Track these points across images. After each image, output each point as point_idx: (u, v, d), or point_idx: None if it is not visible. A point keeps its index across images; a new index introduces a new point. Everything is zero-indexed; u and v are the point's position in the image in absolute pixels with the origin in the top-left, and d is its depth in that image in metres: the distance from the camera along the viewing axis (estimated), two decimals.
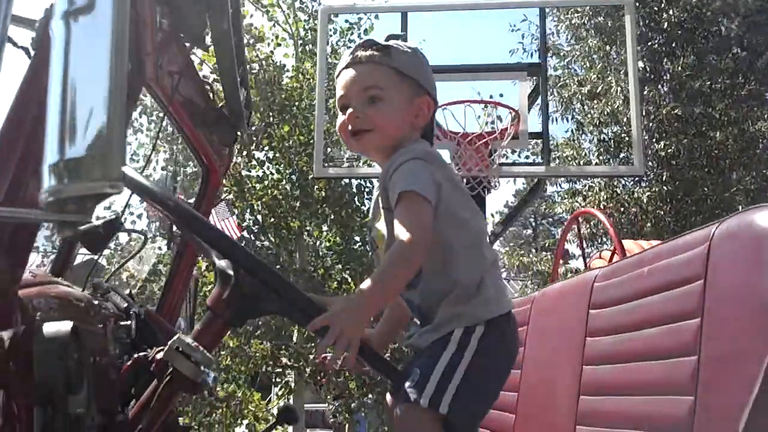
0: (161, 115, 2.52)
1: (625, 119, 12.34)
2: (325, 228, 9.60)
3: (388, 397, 1.92)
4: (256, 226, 8.99)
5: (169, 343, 1.61)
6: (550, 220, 27.33)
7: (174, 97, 2.47)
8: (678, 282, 1.67)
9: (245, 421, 8.56)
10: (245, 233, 8.79)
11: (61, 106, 1.04)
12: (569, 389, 2.15)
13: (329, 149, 7.91)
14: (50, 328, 1.42)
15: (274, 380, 9.64)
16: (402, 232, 1.57)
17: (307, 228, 9.06)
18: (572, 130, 13.48)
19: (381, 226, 1.77)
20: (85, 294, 2.04)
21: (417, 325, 1.83)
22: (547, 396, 2.35)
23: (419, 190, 1.61)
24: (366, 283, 1.58)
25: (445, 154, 6.42)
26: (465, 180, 6.23)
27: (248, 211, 8.79)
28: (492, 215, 9.43)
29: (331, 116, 7.57)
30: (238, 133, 3.02)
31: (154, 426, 1.64)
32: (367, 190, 9.67)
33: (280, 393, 9.19)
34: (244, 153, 8.98)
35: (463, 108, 6.32)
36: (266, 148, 9.07)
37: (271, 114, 8.86)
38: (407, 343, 1.92)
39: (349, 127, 1.78)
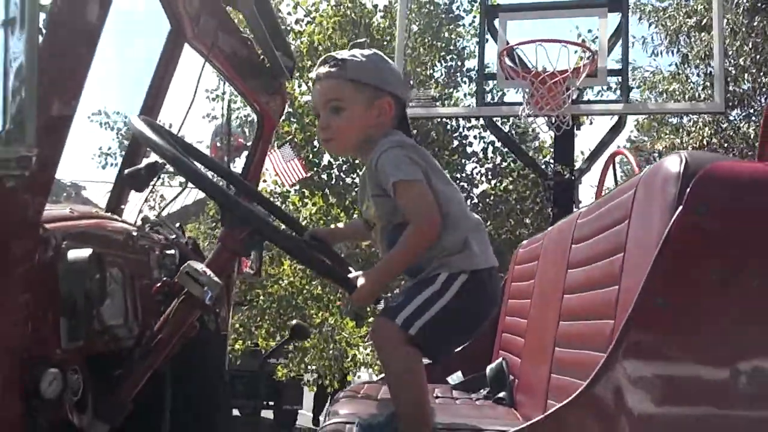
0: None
1: (731, 51, 11.85)
2: None
3: None
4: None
5: (181, 268, 1.94)
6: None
7: (213, 50, 2.80)
8: (614, 222, 1.88)
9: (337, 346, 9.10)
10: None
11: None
12: (553, 315, 2.38)
13: (408, 90, 8.09)
14: (72, 253, 1.78)
15: (369, 310, 10.16)
16: (414, 217, 1.87)
17: None
18: (676, 64, 13.05)
19: (370, 210, 2.05)
20: (127, 226, 2.42)
21: (411, 273, 2.10)
22: (541, 321, 2.59)
23: (407, 177, 1.88)
24: (385, 261, 1.95)
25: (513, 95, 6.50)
26: (546, 118, 6.32)
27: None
28: (581, 152, 9.41)
29: (410, 58, 7.75)
30: (282, 82, 3.35)
31: (173, 335, 2.00)
32: (452, 128, 9.85)
33: (371, 321, 9.63)
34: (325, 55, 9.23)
35: (534, 47, 6.34)
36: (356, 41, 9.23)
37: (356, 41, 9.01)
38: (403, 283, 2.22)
39: (321, 136, 2.09)
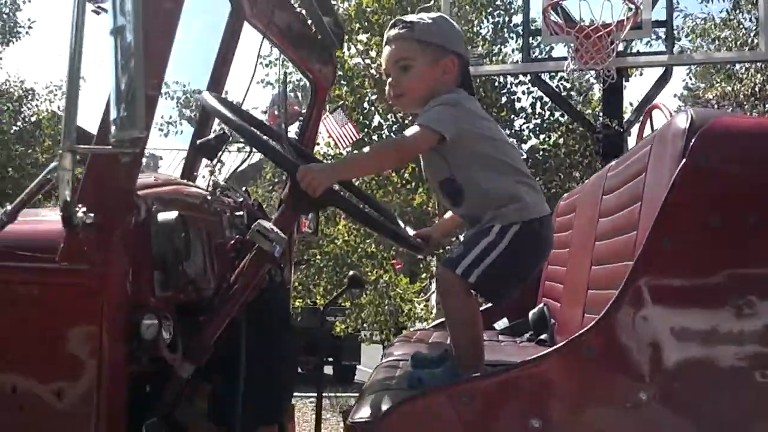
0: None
1: None
2: None
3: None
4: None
5: (252, 226, 2.22)
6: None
7: (270, 27, 3.06)
8: (635, 174, 2.10)
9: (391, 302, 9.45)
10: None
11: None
12: (587, 261, 2.61)
13: None
14: (163, 215, 2.07)
15: (420, 266, 10.48)
16: (394, 140, 2.11)
17: None
18: (727, 10, 12.89)
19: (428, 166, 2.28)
20: (202, 191, 2.71)
21: (469, 227, 2.34)
22: (577, 267, 2.81)
23: (429, 124, 2.08)
24: (344, 158, 2.17)
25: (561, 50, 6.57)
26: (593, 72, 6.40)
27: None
28: (630, 104, 9.46)
29: (455, 17, 7.88)
30: (333, 52, 3.60)
31: (247, 286, 2.28)
32: (500, 85, 9.98)
33: (423, 277, 9.98)
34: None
35: (578, 2, 6.46)
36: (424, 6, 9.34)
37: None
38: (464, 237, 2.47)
39: (391, 93, 2.29)
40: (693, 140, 1.70)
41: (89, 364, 1.88)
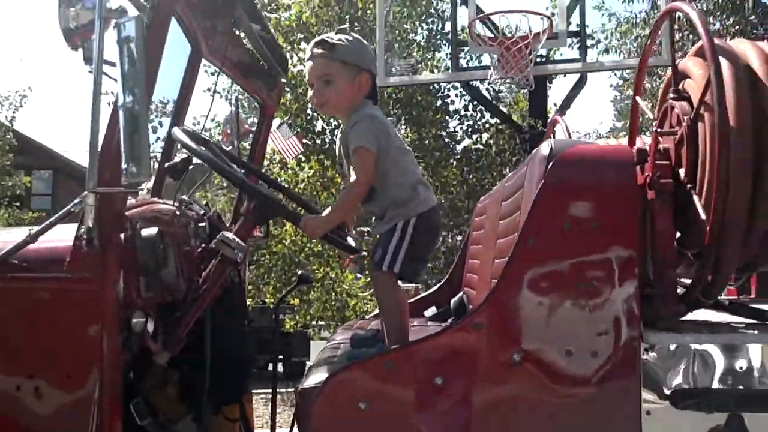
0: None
1: None
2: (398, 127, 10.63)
3: None
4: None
5: (218, 236, 2.74)
6: None
7: (225, 61, 3.57)
8: (518, 187, 2.69)
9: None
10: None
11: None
12: (491, 255, 3.18)
13: (390, 60, 8.82)
14: (145, 231, 2.58)
15: (365, 263, 11.04)
16: (356, 175, 2.66)
17: None
18: (646, 12, 13.72)
19: (346, 167, 2.84)
20: (171, 207, 3.21)
21: (375, 221, 2.92)
22: (485, 261, 3.37)
23: (363, 145, 2.66)
24: (332, 206, 2.73)
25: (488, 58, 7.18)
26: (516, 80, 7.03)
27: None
28: (555, 104, 10.18)
29: (389, 27, 8.48)
30: (278, 80, 4.13)
31: (213, 287, 2.79)
32: (435, 90, 10.61)
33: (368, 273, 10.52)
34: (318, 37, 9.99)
35: (498, 17, 7.08)
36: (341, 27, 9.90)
37: (341, 26, 9.80)
38: (372, 232, 3.04)
39: (314, 101, 2.85)
40: (550, 165, 2.30)
41: (93, 353, 2.36)
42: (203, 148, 2.76)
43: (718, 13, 12.61)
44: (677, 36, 12.38)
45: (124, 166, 2.03)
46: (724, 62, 2.26)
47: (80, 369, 2.37)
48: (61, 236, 2.37)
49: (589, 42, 9.51)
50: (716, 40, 2.32)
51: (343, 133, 2.81)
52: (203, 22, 3.06)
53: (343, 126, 2.83)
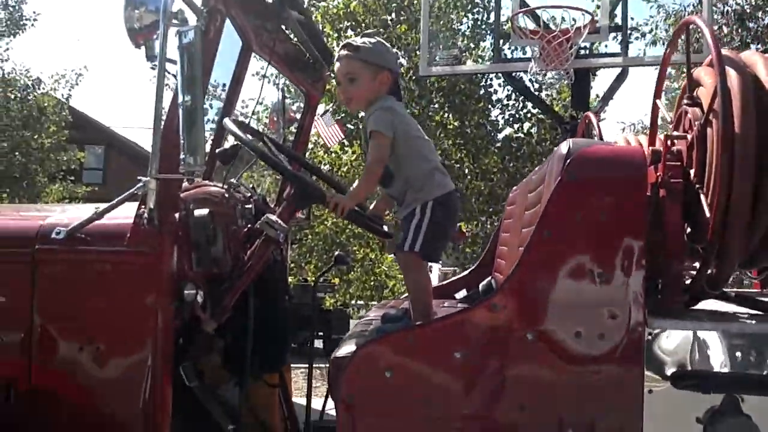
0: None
1: None
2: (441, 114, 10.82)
3: None
4: None
5: (262, 219, 2.99)
6: None
7: (272, 55, 3.82)
8: (540, 182, 2.90)
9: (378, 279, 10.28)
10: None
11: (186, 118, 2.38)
12: (518, 242, 3.40)
13: (434, 49, 9.00)
14: (198, 212, 2.85)
15: None
16: (371, 156, 2.91)
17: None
18: (693, 5, 13.62)
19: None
20: (221, 189, 3.48)
21: (398, 206, 3.16)
22: (513, 247, 3.60)
23: (378, 129, 2.93)
24: (354, 186, 2.96)
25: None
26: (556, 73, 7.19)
27: None
28: (597, 95, 10.28)
29: (434, 17, 8.67)
30: (323, 72, 4.38)
31: (257, 264, 3.04)
32: (477, 79, 10.76)
33: None
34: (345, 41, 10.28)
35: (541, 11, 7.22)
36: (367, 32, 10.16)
37: (389, 16, 10.12)
38: (395, 216, 3.28)
39: (341, 97, 3.13)
40: (567, 163, 2.50)
41: (150, 319, 2.63)
42: (250, 137, 3.02)
43: (767, 9, 12.48)
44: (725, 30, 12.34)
45: (182, 156, 2.30)
46: (732, 72, 2.44)
47: (138, 333, 2.64)
48: (123, 214, 2.65)
49: (634, 35, 9.56)
50: (726, 52, 2.51)
51: (364, 121, 3.10)
52: (254, 22, 3.30)
53: (365, 116, 3.09)
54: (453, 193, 3.06)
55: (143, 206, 2.59)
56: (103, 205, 2.62)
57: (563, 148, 2.59)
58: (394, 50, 3.21)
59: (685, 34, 2.89)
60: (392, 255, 10.90)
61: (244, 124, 3.22)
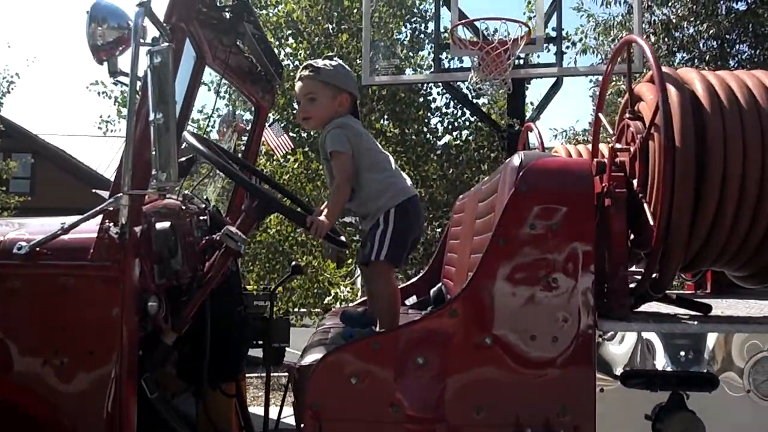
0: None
1: (670, 1, 12.94)
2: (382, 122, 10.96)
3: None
4: None
5: (222, 230, 3.05)
6: None
7: (226, 69, 3.87)
8: (492, 191, 3.03)
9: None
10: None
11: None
12: (467, 250, 3.52)
13: (375, 58, 9.13)
14: (159, 225, 2.89)
15: (346, 253, 11.37)
16: (337, 175, 3.00)
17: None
18: (622, 14, 14.08)
19: (326, 168, 3.18)
20: (176, 201, 3.52)
21: (361, 219, 3.25)
22: (462, 255, 3.70)
23: (337, 148, 3.02)
24: (326, 207, 3.08)
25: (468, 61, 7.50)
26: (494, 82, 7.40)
27: None
28: (531, 103, 10.59)
29: (375, 27, 8.80)
30: (274, 85, 4.44)
31: (216, 275, 3.09)
32: (417, 87, 10.94)
33: (350, 262, 10.85)
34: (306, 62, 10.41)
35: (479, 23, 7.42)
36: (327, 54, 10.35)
37: (330, 25, 10.23)
38: (361, 228, 3.37)
39: (300, 116, 3.23)
40: (519, 174, 2.63)
41: (115, 332, 2.65)
42: (207, 150, 3.07)
43: (692, 19, 13.01)
44: (652, 39, 12.79)
45: (153, 172, 2.35)
46: (671, 89, 2.61)
47: (101, 346, 2.65)
48: (85, 228, 2.67)
49: (565, 44, 9.87)
50: (665, 69, 2.67)
51: (320, 140, 3.20)
52: (210, 36, 3.35)
53: (321, 135, 3.18)
54: (414, 198, 3.16)
55: (107, 220, 2.63)
56: (68, 220, 2.64)
57: (515, 160, 2.72)
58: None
59: (625, 51, 3.05)
60: (335, 262, 10.97)
61: (203, 138, 3.27)
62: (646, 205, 2.72)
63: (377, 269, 3.08)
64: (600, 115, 3.19)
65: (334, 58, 3.26)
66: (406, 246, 3.16)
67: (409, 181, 3.23)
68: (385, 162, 3.19)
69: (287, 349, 3.70)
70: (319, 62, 3.21)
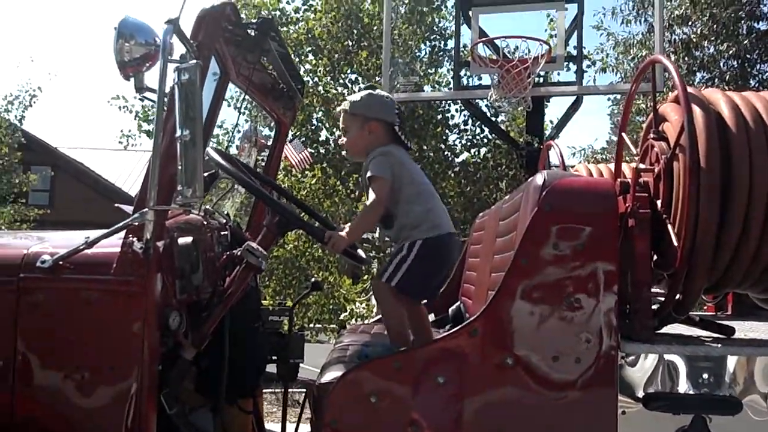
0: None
1: (693, 20, 12.93)
2: None
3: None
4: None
5: (243, 246, 3.05)
6: None
7: (249, 85, 3.89)
8: (514, 209, 3.02)
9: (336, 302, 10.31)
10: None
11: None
12: (488, 269, 3.51)
13: (394, 75, 9.16)
14: (182, 240, 2.90)
15: (363, 270, 11.37)
16: (370, 198, 3.00)
17: None
18: (642, 33, 14.10)
19: (364, 197, 3.20)
20: (198, 217, 3.53)
21: (393, 244, 3.26)
22: (482, 273, 3.69)
23: (376, 173, 3.03)
24: (350, 225, 3.08)
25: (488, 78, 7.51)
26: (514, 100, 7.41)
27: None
28: (551, 122, 10.58)
29: (394, 45, 8.84)
30: (295, 101, 4.46)
31: (237, 290, 3.10)
32: (436, 104, 10.97)
33: (366, 278, 10.85)
34: (329, 77, 10.48)
35: (500, 41, 7.43)
36: (348, 72, 10.42)
37: (350, 42, 10.30)
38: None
39: (342, 148, 3.30)
40: (543, 194, 2.63)
41: (135, 346, 2.66)
42: (230, 166, 3.09)
43: (713, 38, 12.98)
44: (672, 58, 12.76)
45: (179, 188, 2.36)
46: (697, 110, 2.60)
47: (123, 360, 2.66)
48: (108, 242, 2.69)
49: (586, 63, 9.87)
50: (691, 90, 2.66)
51: (363, 168, 3.20)
52: (235, 53, 3.38)
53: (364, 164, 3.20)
54: (447, 236, 3.12)
55: (131, 235, 2.64)
56: (92, 234, 2.65)
57: (539, 179, 2.72)
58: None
59: (650, 71, 3.04)
60: (350, 278, 10.97)
61: (226, 154, 3.29)
62: (670, 226, 2.70)
63: (380, 291, 3.10)
64: (624, 134, 3.18)
65: (372, 88, 3.35)
66: (424, 281, 3.14)
67: (448, 220, 3.20)
68: (427, 195, 3.18)
69: (301, 365, 3.71)
70: (353, 96, 3.32)
